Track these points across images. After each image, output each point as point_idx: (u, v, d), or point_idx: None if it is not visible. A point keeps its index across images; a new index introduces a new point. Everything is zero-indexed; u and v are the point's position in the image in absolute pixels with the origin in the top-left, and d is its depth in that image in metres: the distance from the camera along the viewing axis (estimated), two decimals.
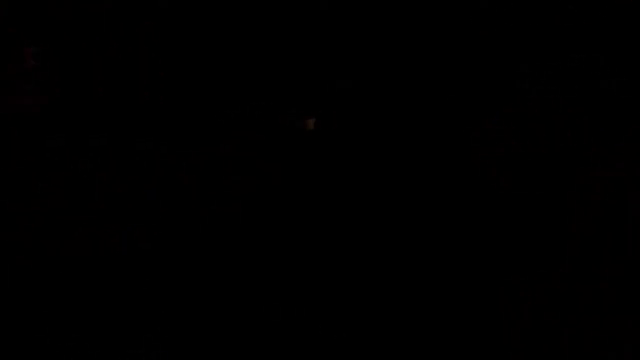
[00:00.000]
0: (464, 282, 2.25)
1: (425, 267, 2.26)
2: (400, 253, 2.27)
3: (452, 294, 2.25)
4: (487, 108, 2.29)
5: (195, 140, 2.27)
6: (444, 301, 2.24)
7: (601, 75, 2.26)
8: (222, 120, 2.29)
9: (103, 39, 2.24)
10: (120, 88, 2.24)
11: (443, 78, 2.30)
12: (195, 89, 2.30)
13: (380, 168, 2.28)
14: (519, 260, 2.24)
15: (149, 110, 2.28)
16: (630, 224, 2.20)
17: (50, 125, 2.18)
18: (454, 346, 2.20)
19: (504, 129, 2.27)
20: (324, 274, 2.26)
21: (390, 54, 2.31)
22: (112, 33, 2.25)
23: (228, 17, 2.29)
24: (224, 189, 2.28)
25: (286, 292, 2.25)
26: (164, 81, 2.29)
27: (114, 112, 2.23)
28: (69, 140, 2.25)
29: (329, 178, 2.28)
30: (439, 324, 2.22)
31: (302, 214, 2.28)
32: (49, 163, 2.25)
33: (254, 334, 2.22)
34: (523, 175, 2.25)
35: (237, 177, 2.28)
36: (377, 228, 2.28)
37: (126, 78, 2.23)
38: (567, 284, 2.21)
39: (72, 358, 2.17)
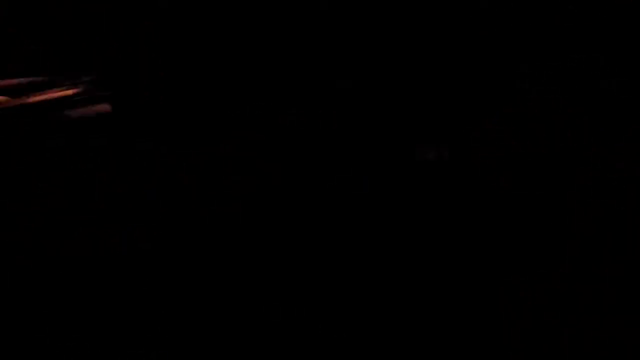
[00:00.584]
0: (464, 282, 2.25)
1: (425, 267, 2.27)
2: (400, 253, 2.27)
3: (452, 294, 2.25)
4: (487, 108, 2.29)
5: (195, 140, 2.27)
6: (445, 301, 2.24)
7: (601, 75, 2.26)
8: (222, 120, 2.29)
9: (103, 39, 2.24)
10: (120, 88, 2.24)
11: (443, 78, 2.30)
12: (195, 88, 2.30)
13: (380, 168, 2.28)
14: (519, 260, 2.24)
15: (149, 110, 2.28)
16: (630, 224, 2.20)
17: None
18: (454, 346, 2.21)
19: (504, 129, 2.27)
20: (324, 274, 2.27)
21: (390, 54, 2.31)
22: (112, 33, 2.25)
23: (228, 17, 2.30)
24: (224, 189, 2.28)
25: (286, 292, 2.26)
26: (164, 81, 2.29)
27: (113, 112, 2.23)
28: (69, 140, 2.25)
29: (328, 178, 2.29)
30: (439, 324, 2.23)
31: (302, 214, 2.28)
32: (49, 163, 2.25)
33: (254, 334, 2.23)
34: (523, 175, 2.25)
35: (237, 177, 2.28)
36: (376, 228, 2.28)
37: (126, 78, 2.23)
38: (567, 284, 2.21)
39: (72, 358, 2.17)
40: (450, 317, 2.24)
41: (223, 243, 2.27)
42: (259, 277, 2.26)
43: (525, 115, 2.27)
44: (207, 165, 2.27)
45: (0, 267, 2.20)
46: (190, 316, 2.23)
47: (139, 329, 2.21)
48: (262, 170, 2.28)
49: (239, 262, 2.27)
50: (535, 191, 2.24)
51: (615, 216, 2.21)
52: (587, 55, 2.28)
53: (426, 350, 2.21)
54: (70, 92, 1.87)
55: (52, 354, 2.17)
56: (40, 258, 2.21)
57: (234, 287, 2.26)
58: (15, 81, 1.93)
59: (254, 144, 2.27)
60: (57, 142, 2.25)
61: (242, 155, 2.28)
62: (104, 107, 1.90)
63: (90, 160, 2.25)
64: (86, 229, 2.23)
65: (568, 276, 2.22)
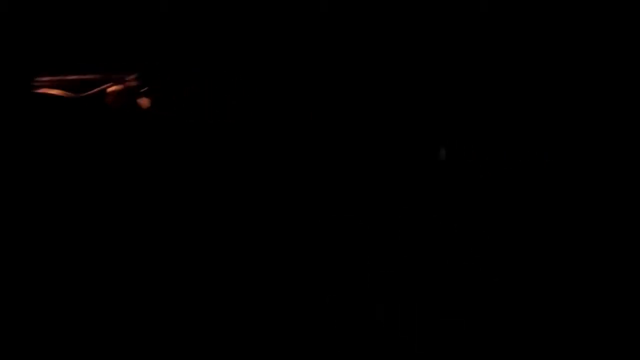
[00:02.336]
0: (464, 282, 2.26)
1: (424, 267, 2.27)
2: (400, 253, 2.28)
3: (451, 294, 2.25)
4: (486, 109, 2.29)
5: (196, 140, 2.27)
6: (444, 301, 2.25)
7: (601, 75, 2.26)
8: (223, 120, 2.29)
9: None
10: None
11: (442, 79, 2.30)
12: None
13: (379, 168, 2.28)
14: (519, 261, 2.25)
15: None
16: (630, 224, 2.21)
17: None
18: (454, 346, 2.21)
19: (503, 130, 2.27)
20: (323, 274, 2.27)
21: (390, 55, 2.31)
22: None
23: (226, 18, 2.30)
24: (224, 188, 2.28)
25: (286, 292, 2.26)
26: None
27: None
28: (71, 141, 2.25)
29: (327, 177, 2.29)
30: (438, 324, 2.23)
31: (302, 213, 2.28)
32: (48, 163, 2.24)
33: (254, 334, 2.23)
34: (523, 175, 2.25)
35: (237, 177, 2.28)
36: (375, 228, 2.28)
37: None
38: (567, 283, 2.22)
39: (72, 358, 2.17)
40: (449, 317, 2.24)
41: (223, 243, 2.27)
42: (258, 277, 2.26)
43: (524, 116, 2.28)
44: (207, 165, 2.27)
45: (0, 267, 2.19)
46: (190, 316, 2.23)
47: (139, 329, 2.21)
48: (262, 170, 2.28)
49: (238, 261, 2.27)
50: (536, 191, 2.24)
51: (615, 216, 2.22)
52: (587, 55, 2.28)
53: (426, 351, 2.22)
54: (119, 87, 2.04)
55: (52, 354, 2.16)
56: (40, 258, 2.21)
57: (234, 287, 2.26)
58: (73, 77, 2.10)
59: (256, 144, 2.27)
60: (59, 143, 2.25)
61: (244, 155, 2.28)
62: (145, 101, 2.12)
63: (90, 161, 2.25)
64: (86, 228, 2.23)
65: (568, 276, 2.22)
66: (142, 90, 2.11)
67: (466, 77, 2.29)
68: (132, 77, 2.09)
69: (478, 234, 2.25)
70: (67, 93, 2.07)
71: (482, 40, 2.27)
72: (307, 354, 2.22)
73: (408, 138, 2.22)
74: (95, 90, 2.08)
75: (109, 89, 2.08)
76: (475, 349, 2.21)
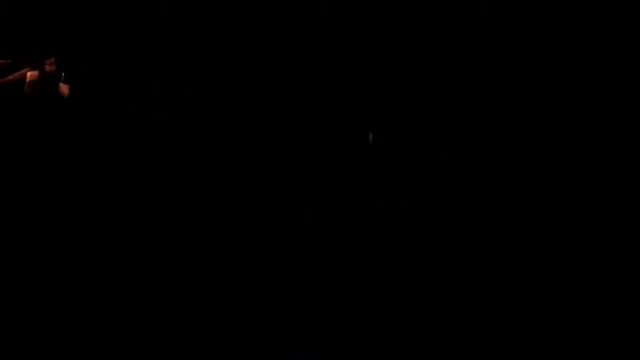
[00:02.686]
0: (464, 282, 2.26)
1: (423, 268, 2.27)
2: (399, 253, 2.27)
3: (451, 294, 2.25)
4: (486, 108, 2.29)
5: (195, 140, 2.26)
6: (443, 302, 2.25)
7: (601, 75, 2.26)
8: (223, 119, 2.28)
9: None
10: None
11: (442, 79, 2.30)
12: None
13: (379, 168, 2.28)
14: (519, 261, 2.24)
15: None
16: (630, 224, 2.20)
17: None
18: (453, 346, 2.21)
19: (503, 130, 2.27)
20: (323, 274, 2.27)
21: (389, 55, 2.31)
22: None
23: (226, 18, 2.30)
24: (225, 188, 2.27)
25: (286, 292, 2.26)
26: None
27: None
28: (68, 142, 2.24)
29: (327, 176, 2.28)
30: (438, 324, 2.23)
31: (301, 212, 2.28)
32: (45, 163, 2.24)
33: (253, 334, 2.23)
34: (522, 175, 2.25)
35: (238, 177, 2.28)
36: (374, 228, 2.28)
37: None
38: (567, 283, 2.21)
39: (72, 358, 2.17)
40: (449, 317, 2.24)
41: (223, 242, 2.27)
42: (258, 277, 2.26)
43: (525, 116, 2.28)
44: (207, 165, 2.27)
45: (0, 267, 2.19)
46: (190, 316, 2.23)
47: (139, 329, 2.20)
48: (265, 171, 2.28)
49: (238, 261, 2.27)
50: (536, 191, 2.24)
51: (615, 216, 2.21)
52: (586, 56, 2.28)
53: (426, 351, 2.21)
54: (35, 73, 1.89)
55: (52, 354, 2.16)
56: (40, 258, 2.21)
57: (233, 287, 2.25)
58: None
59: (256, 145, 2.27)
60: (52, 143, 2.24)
61: (243, 155, 2.27)
62: (64, 88, 1.90)
63: (89, 160, 2.25)
64: (86, 228, 2.23)
65: (568, 276, 2.22)
66: (62, 75, 1.89)
67: (466, 77, 2.29)
68: (49, 60, 1.88)
69: (478, 234, 2.25)
70: None
71: (482, 40, 2.27)
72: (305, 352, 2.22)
73: (408, 138, 2.22)
74: (12, 76, 1.88)
75: (25, 75, 1.87)
76: (475, 349, 2.20)
